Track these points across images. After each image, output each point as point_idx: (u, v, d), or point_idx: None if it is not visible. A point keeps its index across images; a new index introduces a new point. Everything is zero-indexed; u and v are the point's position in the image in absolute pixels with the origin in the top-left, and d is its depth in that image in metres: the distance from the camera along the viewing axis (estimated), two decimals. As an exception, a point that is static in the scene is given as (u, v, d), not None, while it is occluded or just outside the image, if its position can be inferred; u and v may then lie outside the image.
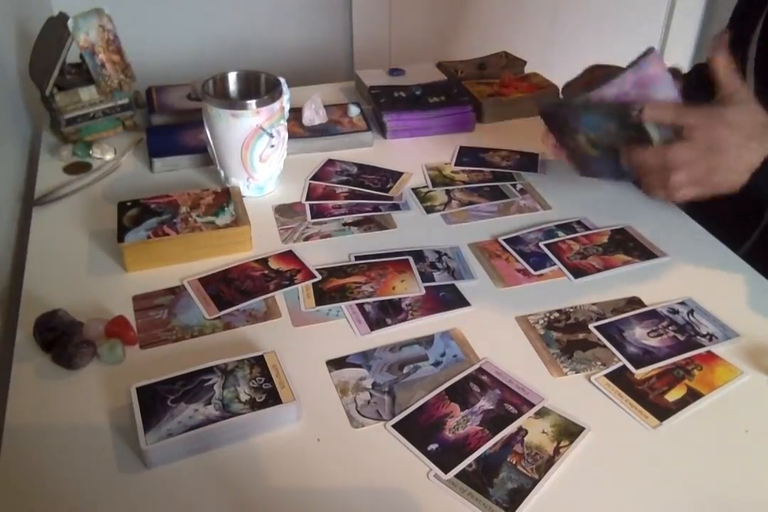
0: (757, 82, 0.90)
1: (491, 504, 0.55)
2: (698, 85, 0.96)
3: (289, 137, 0.97)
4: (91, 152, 1.04)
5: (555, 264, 0.82)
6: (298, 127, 1.08)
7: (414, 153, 1.07)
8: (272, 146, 0.91)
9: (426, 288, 0.78)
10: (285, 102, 0.92)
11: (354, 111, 1.12)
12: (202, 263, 0.82)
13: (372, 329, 0.73)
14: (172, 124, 1.10)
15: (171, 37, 1.71)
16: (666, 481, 0.58)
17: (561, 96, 0.91)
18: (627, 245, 0.85)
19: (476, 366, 0.68)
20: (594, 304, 0.76)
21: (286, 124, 0.93)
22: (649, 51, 0.75)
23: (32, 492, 0.57)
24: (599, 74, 0.89)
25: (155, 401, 0.61)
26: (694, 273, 0.81)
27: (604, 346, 0.71)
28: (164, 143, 1.04)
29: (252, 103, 0.87)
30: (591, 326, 0.73)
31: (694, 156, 0.71)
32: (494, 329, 0.73)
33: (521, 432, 0.61)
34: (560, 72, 1.37)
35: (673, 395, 0.65)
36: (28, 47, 1.10)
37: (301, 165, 1.02)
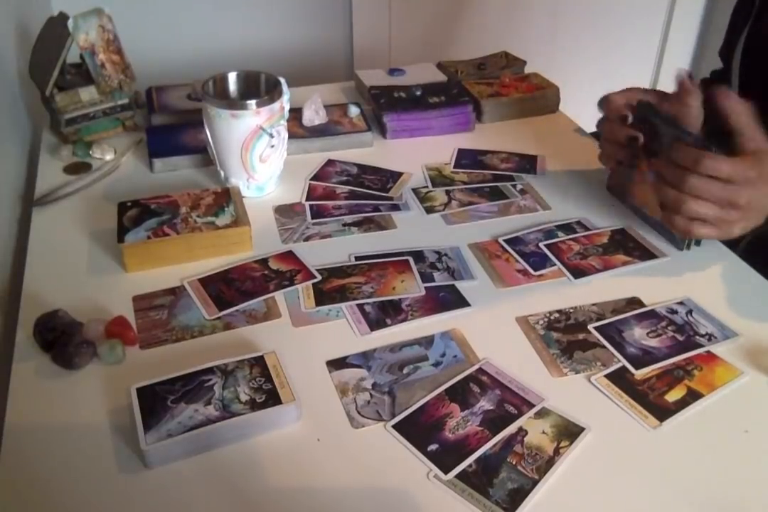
0: (740, 90, 0.90)
1: (491, 504, 0.55)
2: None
3: (289, 137, 0.97)
4: (91, 152, 1.03)
5: (555, 264, 0.82)
6: (298, 127, 1.08)
7: (414, 153, 1.07)
8: (272, 146, 0.91)
9: (426, 288, 0.78)
10: (285, 102, 0.92)
11: (354, 111, 1.12)
12: (202, 263, 0.82)
13: (372, 329, 0.73)
14: (172, 124, 1.10)
15: (171, 37, 1.71)
16: (666, 482, 0.58)
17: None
18: (627, 245, 0.85)
19: (476, 367, 0.68)
20: (594, 305, 0.76)
21: (286, 124, 0.93)
22: None
23: (32, 492, 0.57)
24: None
25: (155, 401, 0.61)
26: (693, 273, 0.81)
27: (604, 347, 0.71)
28: (164, 143, 1.04)
29: (252, 103, 0.87)
30: (590, 327, 0.73)
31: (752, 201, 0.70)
32: (494, 329, 0.73)
33: (521, 432, 0.61)
34: (560, 72, 1.37)
35: (673, 395, 0.65)
36: (28, 47, 1.09)
37: (301, 165, 1.02)
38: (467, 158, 1.05)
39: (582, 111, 1.23)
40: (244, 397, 0.61)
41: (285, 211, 0.93)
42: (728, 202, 0.70)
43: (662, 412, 0.63)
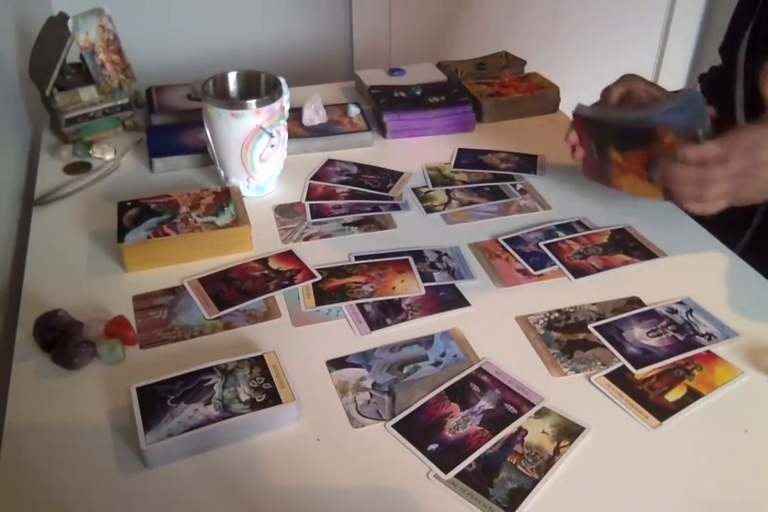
0: (745, 84, 0.91)
1: (491, 504, 0.55)
2: (711, 85, 0.99)
3: (289, 137, 0.97)
4: (91, 152, 1.04)
5: (555, 264, 0.82)
6: (298, 127, 1.08)
7: (414, 153, 1.07)
8: (272, 146, 0.91)
9: (426, 288, 0.78)
10: (285, 102, 0.92)
11: (354, 111, 1.12)
12: (202, 263, 0.82)
13: (372, 329, 0.73)
14: (172, 124, 1.10)
15: (171, 37, 1.71)
16: (666, 481, 0.58)
17: (599, 101, 0.92)
18: (627, 245, 0.85)
19: (476, 366, 0.68)
20: (594, 304, 0.76)
21: (286, 123, 0.93)
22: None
23: (32, 492, 0.57)
24: (635, 88, 0.89)
25: (155, 401, 0.61)
26: (693, 273, 0.81)
27: (604, 346, 0.71)
28: (164, 143, 1.04)
29: (252, 102, 0.87)
30: (590, 326, 0.73)
31: (728, 175, 0.72)
32: (494, 329, 0.73)
33: (521, 432, 0.61)
34: (560, 72, 1.37)
35: (673, 395, 0.65)
36: (28, 47, 1.10)
37: (301, 165, 1.02)
38: (467, 158, 1.05)
39: (582, 111, 1.23)
40: (244, 397, 0.61)
41: (285, 211, 0.93)
42: (700, 181, 0.73)
43: (662, 412, 0.63)
